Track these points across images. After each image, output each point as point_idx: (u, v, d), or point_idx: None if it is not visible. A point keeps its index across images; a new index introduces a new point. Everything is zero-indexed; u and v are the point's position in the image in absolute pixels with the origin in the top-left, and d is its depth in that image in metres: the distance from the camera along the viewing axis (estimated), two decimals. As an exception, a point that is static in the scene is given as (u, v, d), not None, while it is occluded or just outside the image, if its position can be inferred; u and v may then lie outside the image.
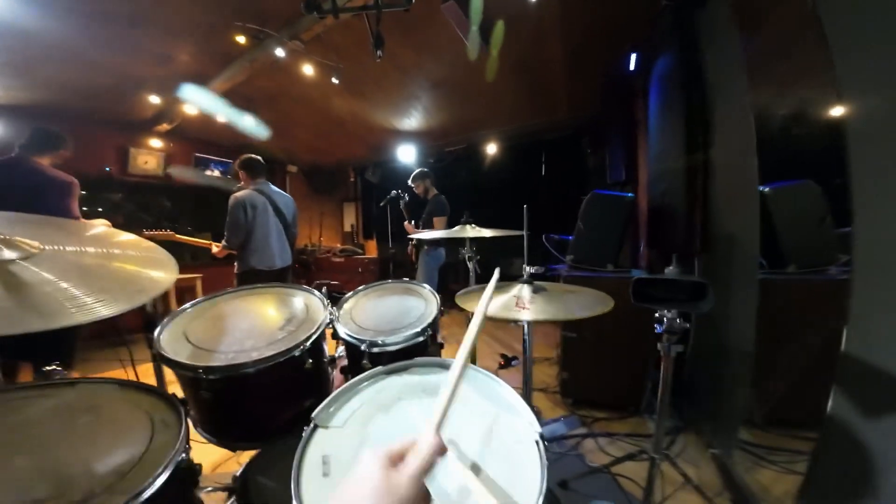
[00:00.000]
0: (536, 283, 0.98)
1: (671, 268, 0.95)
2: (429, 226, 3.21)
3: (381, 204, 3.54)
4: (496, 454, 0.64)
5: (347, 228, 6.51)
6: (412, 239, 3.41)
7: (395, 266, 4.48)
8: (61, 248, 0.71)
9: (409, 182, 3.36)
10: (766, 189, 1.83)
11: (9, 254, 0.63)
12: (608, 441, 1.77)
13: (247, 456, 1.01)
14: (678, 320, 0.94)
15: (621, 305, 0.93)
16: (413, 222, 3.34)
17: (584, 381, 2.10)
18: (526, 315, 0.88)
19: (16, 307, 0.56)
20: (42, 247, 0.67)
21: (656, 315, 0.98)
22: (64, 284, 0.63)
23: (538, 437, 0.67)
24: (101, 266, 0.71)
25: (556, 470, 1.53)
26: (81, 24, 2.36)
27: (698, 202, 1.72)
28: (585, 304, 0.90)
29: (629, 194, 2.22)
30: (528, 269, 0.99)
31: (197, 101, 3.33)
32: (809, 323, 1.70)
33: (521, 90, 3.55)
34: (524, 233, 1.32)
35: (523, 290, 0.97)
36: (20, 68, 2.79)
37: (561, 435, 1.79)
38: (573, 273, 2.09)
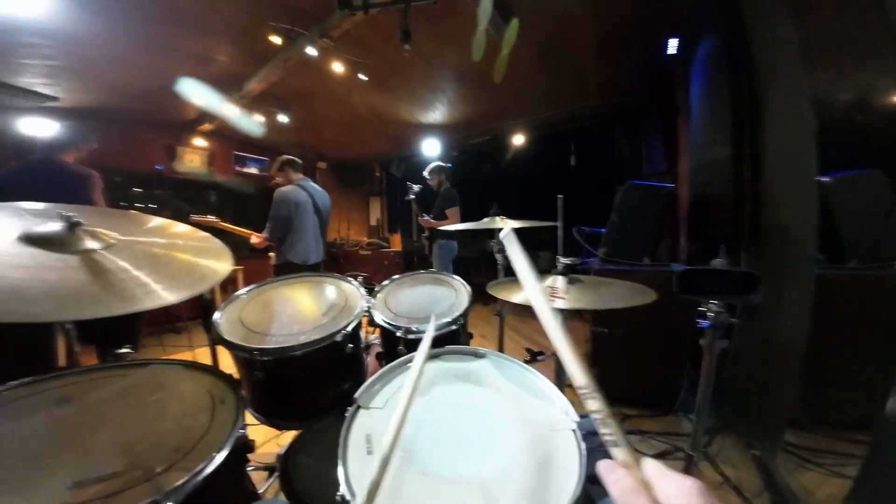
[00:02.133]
0: (571, 274, 0.96)
1: (719, 259, 0.90)
2: (441, 217, 3.24)
3: (406, 198, 3.58)
4: (530, 442, 0.65)
5: (373, 222, 6.65)
6: (424, 231, 3.44)
7: (419, 259, 4.55)
8: (133, 238, 0.79)
9: (426, 173, 3.39)
10: (827, 179, 1.68)
11: (93, 244, 0.70)
12: (640, 439, 1.72)
13: (285, 439, 1.07)
14: (725, 314, 0.90)
15: (657, 300, 0.89)
16: (425, 215, 3.37)
17: (615, 377, 2.04)
18: (560, 304, 0.87)
19: (101, 292, 0.64)
20: (119, 237, 0.75)
21: (700, 309, 0.93)
22: (137, 272, 0.70)
23: (574, 427, 0.67)
24: (167, 255, 0.78)
25: (586, 466, 1.51)
26: (129, 27, 2.53)
27: (747, 193, 1.60)
28: (623, 295, 0.87)
29: (668, 185, 2.11)
30: (562, 261, 0.98)
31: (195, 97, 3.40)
32: (869, 321, 1.57)
33: (549, 77, 3.44)
34: (559, 224, 1.30)
35: (558, 281, 0.96)
36: (79, 72, 3.01)
37: (590, 431, 1.76)
38: (606, 266, 2.03)
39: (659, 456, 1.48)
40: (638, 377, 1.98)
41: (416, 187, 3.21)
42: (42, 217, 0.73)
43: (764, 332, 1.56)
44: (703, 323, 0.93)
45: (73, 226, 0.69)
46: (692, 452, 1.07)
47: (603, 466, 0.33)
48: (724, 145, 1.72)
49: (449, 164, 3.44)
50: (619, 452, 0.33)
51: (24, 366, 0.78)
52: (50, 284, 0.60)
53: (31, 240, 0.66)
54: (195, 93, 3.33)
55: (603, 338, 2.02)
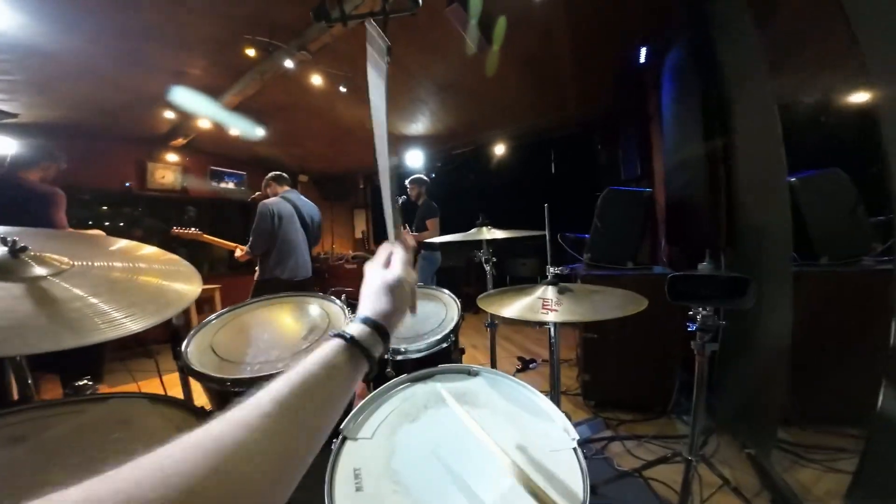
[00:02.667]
0: (562, 284, 0.95)
1: (705, 263, 0.91)
2: (422, 229, 3.22)
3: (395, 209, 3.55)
4: (530, 464, 0.62)
5: (358, 235, 6.55)
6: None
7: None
8: (90, 263, 0.72)
9: (406, 182, 3.37)
10: (793, 179, 1.76)
11: (40, 270, 0.63)
12: (636, 444, 1.71)
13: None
14: (713, 317, 0.90)
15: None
16: (407, 228, 3.35)
17: (607, 382, 2.04)
18: (553, 317, 0.85)
19: (49, 323, 0.57)
20: (72, 262, 0.68)
21: (690, 313, 0.93)
22: (94, 300, 0.63)
23: (575, 445, 0.64)
24: (128, 280, 0.72)
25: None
26: (98, 40, 2.42)
27: (721, 195, 1.66)
28: (616, 303, 0.86)
29: (646, 189, 2.17)
30: (552, 270, 0.96)
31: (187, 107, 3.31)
32: (846, 315, 1.63)
33: (528, 88, 3.52)
34: (546, 233, 1.29)
35: (548, 292, 0.95)
36: (41, 86, 2.86)
37: (586, 438, 1.74)
38: (592, 272, 2.04)
39: (658, 462, 1.47)
40: (630, 381, 1.98)
41: (400, 199, 3.19)
42: None
43: (750, 332, 1.60)
44: (691, 326, 0.93)
45: (16, 251, 0.62)
46: (690, 457, 1.06)
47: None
48: (696, 150, 1.78)
49: (425, 177, 3.44)
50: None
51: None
52: None
53: None
54: (183, 101, 3.21)
55: (594, 343, 2.02)
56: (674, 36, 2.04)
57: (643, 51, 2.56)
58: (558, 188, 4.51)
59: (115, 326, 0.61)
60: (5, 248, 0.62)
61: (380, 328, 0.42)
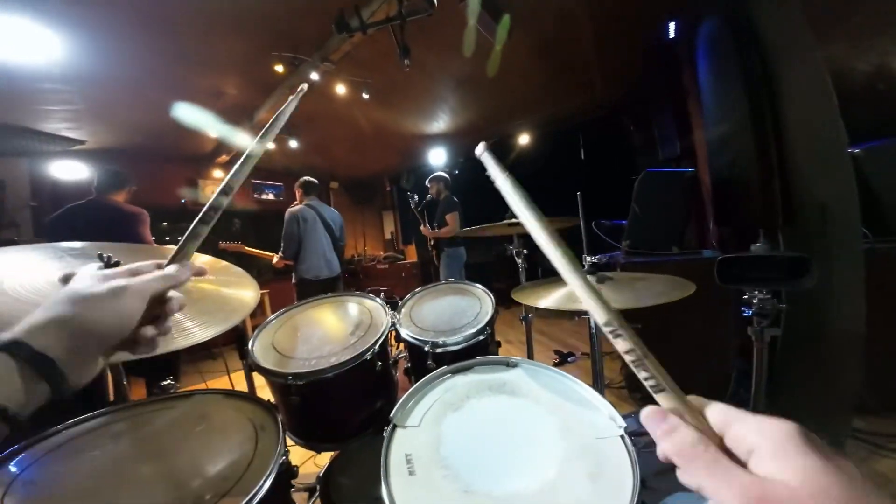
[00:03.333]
0: (600, 273, 0.93)
1: (759, 244, 0.85)
2: (443, 224, 3.24)
3: (419, 208, 3.60)
4: (576, 452, 0.62)
5: (388, 236, 6.73)
6: (431, 241, 3.45)
7: (436, 268, 4.56)
8: (167, 275, 0.82)
9: (427, 182, 3.40)
10: (857, 150, 1.59)
11: (130, 284, 0.73)
12: (688, 438, 1.63)
13: (322, 459, 1.07)
14: (772, 301, 0.84)
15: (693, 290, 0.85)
16: (426, 223, 3.38)
17: (653, 373, 1.96)
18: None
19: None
20: (154, 275, 0.78)
21: (744, 297, 0.88)
22: (173, 310, 0.72)
23: (622, 433, 0.64)
24: (198, 290, 0.80)
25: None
26: (142, 66, 2.66)
27: (774, 170, 1.52)
28: (660, 290, 0.83)
29: (689, 169, 2.04)
30: (588, 259, 0.95)
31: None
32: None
33: (550, 73, 3.41)
34: (580, 221, 1.27)
35: (585, 282, 0.93)
36: (99, 113, 3.20)
37: (633, 431, 1.68)
38: (632, 260, 1.96)
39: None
40: (679, 371, 1.86)
41: (415, 197, 3.25)
42: (80, 257, 0.76)
43: (817, 316, 1.46)
44: (747, 311, 0.87)
45: (111, 266, 0.72)
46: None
47: (647, 415, 0.26)
48: (743, 125, 1.64)
49: (445, 174, 3.44)
50: (665, 398, 0.27)
51: (75, 403, 0.82)
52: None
53: None
54: (208, 125, 3.48)
55: (637, 334, 1.94)
56: (705, 7, 1.89)
57: (671, 25, 2.39)
58: (590, 174, 4.34)
59: (189, 336, 0.68)
60: (102, 265, 0.72)
61: (39, 362, 0.29)
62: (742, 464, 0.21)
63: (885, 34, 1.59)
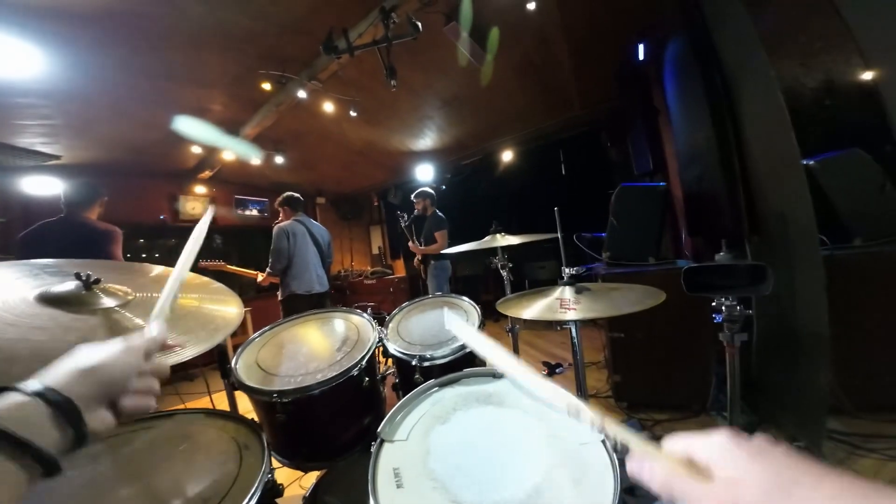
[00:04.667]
0: (579, 283, 0.97)
1: (722, 254, 0.91)
2: (431, 241, 3.29)
3: (405, 224, 3.63)
4: (561, 458, 0.64)
5: (375, 251, 6.70)
6: (417, 256, 3.49)
7: (424, 282, 4.56)
8: (148, 294, 0.80)
9: (412, 198, 3.46)
10: (811, 162, 1.72)
11: (110, 301, 0.72)
12: (673, 444, 1.66)
13: (307, 481, 1.04)
14: (738, 307, 0.90)
15: (671, 299, 0.89)
16: (413, 238, 3.42)
17: (639, 382, 2.00)
18: (573, 315, 0.87)
19: (122, 349, 0.65)
20: (134, 294, 0.77)
21: (713, 304, 0.93)
22: (154, 328, 0.71)
23: (603, 437, 0.66)
24: (180, 308, 0.79)
25: (620, 477, 1.46)
26: (125, 82, 2.64)
27: (738, 183, 1.63)
28: (635, 299, 0.88)
29: (661, 183, 2.15)
30: (567, 271, 0.99)
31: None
32: (889, 297, 1.55)
33: (531, 93, 3.58)
34: (558, 235, 1.32)
35: (565, 293, 0.97)
36: (79, 129, 3.13)
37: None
38: (613, 270, 2.03)
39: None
40: (663, 380, 1.94)
41: (405, 216, 3.30)
42: (57, 274, 0.73)
43: (784, 321, 1.54)
44: (717, 317, 0.93)
45: (90, 284, 0.70)
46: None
47: (632, 466, 0.32)
48: (706, 141, 1.77)
49: (430, 189, 3.51)
50: (634, 446, 0.32)
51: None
52: (71, 345, 0.61)
53: (50, 300, 0.66)
54: (200, 134, 3.44)
55: (621, 343, 1.99)
56: (669, 29, 2.05)
57: (641, 47, 2.57)
58: (570, 189, 4.50)
59: (172, 354, 0.67)
60: (80, 283, 0.70)
61: (65, 406, 0.30)
62: (708, 475, 0.27)
63: (830, 52, 1.75)
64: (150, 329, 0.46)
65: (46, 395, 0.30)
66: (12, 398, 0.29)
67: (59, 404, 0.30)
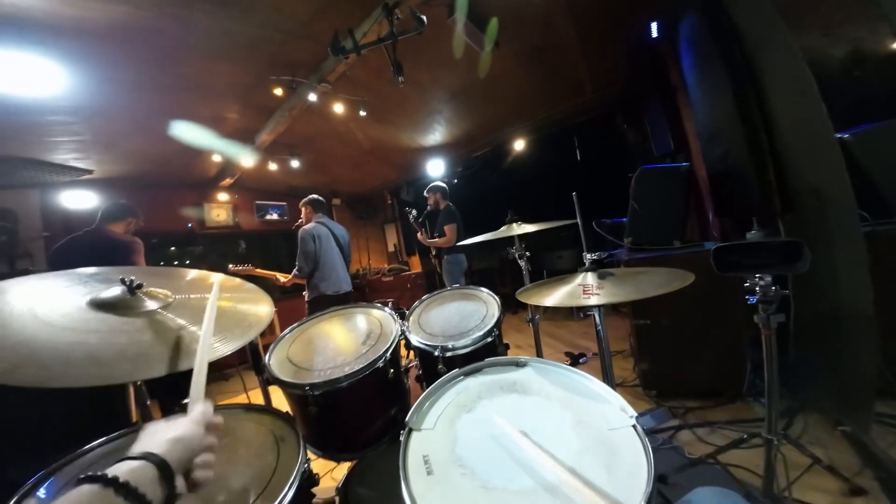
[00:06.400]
0: (601, 269, 0.95)
1: (754, 232, 0.87)
2: (442, 234, 3.30)
3: (419, 220, 3.64)
4: (590, 444, 0.63)
5: (391, 248, 6.78)
6: (432, 250, 3.50)
7: (440, 277, 4.59)
8: (186, 295, 0.85)
9: (425, 193, 3.46)
10: (846, 136, 1.61)
11: (152, 304, 0.77)
12: (708, 430, 1.61)
13: (339, 472, 1.08)
14: (774, 287, 0.85)
15: (699, 282, 0.85)
16: (429, 233, 3.42)
17: (667, 369, 1.95)
18: (596, 300, 0.85)
19: (167, 350, 0.69)
20: (173, 296, 0.81)
21: (746, 285, 0.89)
22: (193, 328, 0.75)
23: (634, 423, 0.65)
24: (216, 308, 0.83)
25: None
26: (143, 97, 2.75)
27: (767, 159, 1.55)
28: (661, 282, 0.85)
29: (683, 164, 2.06)
30: (589, 256, 0.97)
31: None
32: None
33: (540, 79, 3.49)
34: (577, 221, 1.29)
35: (588, 278, 0.95)
36: (106, 144, 3.30)
37: (651, 428, 1.67)
38: (636, 256, 1.97)
39: (733, 445, 1.38)
40: (693, 366, 1.87)
41: (413, 212, 3.31)
42: (104, 281, 0.78)
43: (824, 301, 1.46)
44: (752, 299, 0.88)
45: (133, 289, 0.75)
46: (770, 436, 0.99)
47: None
48: (731, 117, 1.68)
49: (442, 183, 3.50)
50: None
51: (100, 424, 0.84)
52: (121, 347, 0.65)
53: (100, 305, 0.71)
54: (214, 146, 3.57)
55: (648, 330, 1.94)
56: (683, 4, 1.95)
57: (654, 25, 2.46)
58: (587, 175, 4.38)
59: (210, 351, 0.71)
60: (124, 287, 0.75)
61: (165, 468, 0.36)
62: None
63: (856, 21, 1.63)
64: (198, 407, 0.50)
65: (152, 460, 0.36)
66: (127, 462, 0.35)
67: (162, 467, 0.36)
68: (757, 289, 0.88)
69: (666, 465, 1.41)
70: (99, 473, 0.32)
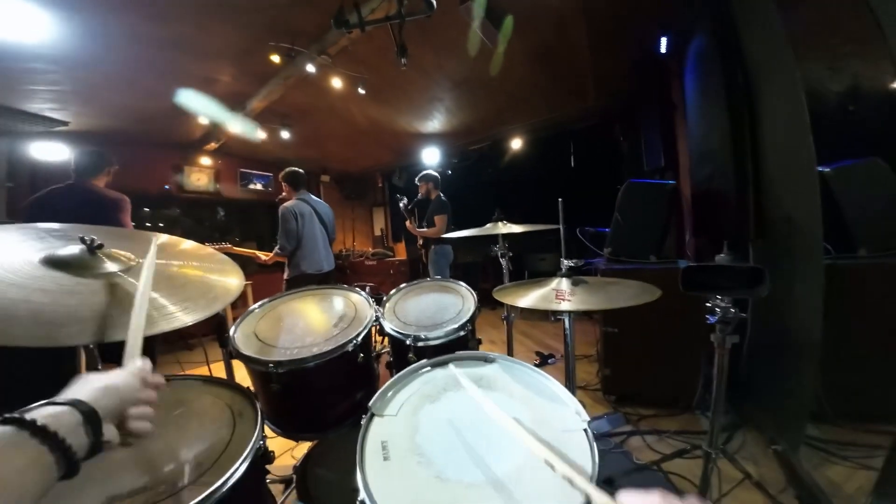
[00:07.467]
0: (576, 276, 0.97)
1: (722, 255, 0.91)
2: (431, 224, 3.29)
3: (409, 208, 3.60)
4: (544, 442, 0.66)
5: (377, 232, 6.70)
6: (419, 240, 3.49)
7: (424, 266, 4.58)
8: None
9: (417, 180, 3.43)
10: (827, 169, 1.69)
11: (112, 266, 0.73)
12: (657, 438, 1.70)
13: (299, 451, 1.08)
14: (733, 310, 0.90)
15: (668, 298, 0.89)
16: (417, 222, 3.40)
17: (628, 377, 2.03)
18: (566, 305, 0.88)
19: (122, 315, 0.66)
20: (137, 260, 0.78)
21: (708, 305, 0.93)
22: (154, 294, 0.72)
23: (586, 426, 0.68)
24: (182, 276, 0.81)
25: (601, 467, 1.51)
26: (133, 51, 2.59)
27: (749, 185, 1.61)
28: (630, 294, 0.88)
29: (670, 181, 2.12)
30: (565, 263, 0.99)
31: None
32: (886, 309, 1.55)
33: (545, 80, 3.48)
34: (560, 226, 1.31)
35: (562, 284, 0.97)
36: (87, 96, 3.09)
37: (605, 432, 1.75)
38: (612, 266, 2.02)
39: (676, 455, 1.46)
40: (652, 376, 1.96)
41: (404, 199, 3.26)
42: (62, 238, 0.74)
43: (778, 325, 1.55)
44: (711, 318, 0.93)
45: (94, 249, 0.71)
46: (709, 450, 1.06)
47: None
48: (722, 140, 1.72)
49: (435, 173, 3.47)
50: (596, 499, 0.40)
51: (47, 389, 0.80)
52: (72, 308, 0.62)
53: (54, 263, 0.67)
54: (202, 109, 3.41)
55: (614, 338, 2.01)
56: (695, 23, 1.97)
57: (664, 40, 2.48)
58: (578, 181, 4.44)
59: (172, 320, 0.68)
60: (84, 247, 0.71)
61: (91, 415, 0.35)
62: None
63: (859, 57, 1.68)
64: (136, 362, 0.49)
65: (78, 406, 0.35)
66: (49, 407, 0.34)
67: (88, 414, 0.35)
68: (717, 309, 0.92)
69: (614, 468, 1.49)
70: (16, 415, 0.30)
